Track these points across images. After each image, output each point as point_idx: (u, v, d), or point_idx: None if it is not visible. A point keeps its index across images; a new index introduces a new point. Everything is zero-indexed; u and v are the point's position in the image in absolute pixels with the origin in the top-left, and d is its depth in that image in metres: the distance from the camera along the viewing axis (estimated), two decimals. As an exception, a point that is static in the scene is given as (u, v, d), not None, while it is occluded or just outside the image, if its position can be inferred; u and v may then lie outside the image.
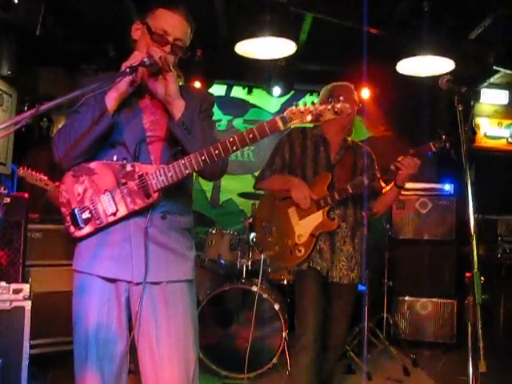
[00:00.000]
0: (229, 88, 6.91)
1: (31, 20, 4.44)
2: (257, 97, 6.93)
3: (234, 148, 1.94)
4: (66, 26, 5.15)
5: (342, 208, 3.20)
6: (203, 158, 1.94)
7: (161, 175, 1.96)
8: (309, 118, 1.93)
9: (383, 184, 3.14)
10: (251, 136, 1.93)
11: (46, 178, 3.94)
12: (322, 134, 3.29)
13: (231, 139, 1.94)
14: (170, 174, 1.96)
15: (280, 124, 1.92)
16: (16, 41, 4.84)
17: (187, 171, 1.96)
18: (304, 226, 3.16)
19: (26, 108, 5.57)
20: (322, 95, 3.33)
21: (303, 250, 3.12)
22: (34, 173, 3.91)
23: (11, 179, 5.56)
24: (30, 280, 3.34)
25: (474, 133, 2.82)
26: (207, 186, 6.68)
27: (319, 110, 1.93)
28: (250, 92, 6.90)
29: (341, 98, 1.95)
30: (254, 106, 6.96)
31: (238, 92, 6.94)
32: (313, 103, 1.94)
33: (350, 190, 3.07)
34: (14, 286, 3.16)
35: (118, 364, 2.06)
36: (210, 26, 5.18)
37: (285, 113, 1.93)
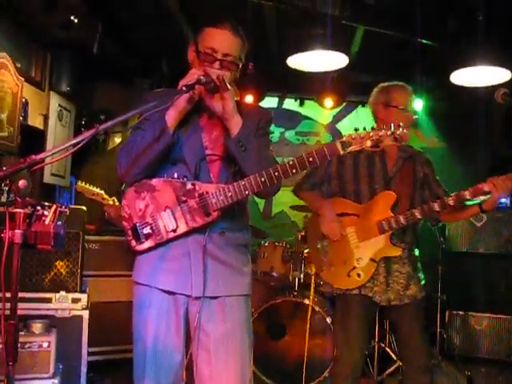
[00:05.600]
0: (281, 100, 6.93)
1: (89, 38, 4.60)
2: (309, 108, 6.92)
3: (294, 171, 1.96)
4: (120, 43, 5.31)
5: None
6: (263, 179, 1.96)
7: (221, 195, 1.99)
8: (368, 143, 1.93)
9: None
10: (311, 159, 1.94)
11: (102, 192, 4.03)
12: None
13: (291, 162, 1.95)
14: (229, 194, 1.99)
15: (340, 148, 1.93)
16: (74, 58, 5.03)
17: (246, 192, 1.99)
18: (364, 250, 2.92)
19: (83, 122, 5.75)
20: (375, 95, 3.14)
21: (363, 275, 2.90)
22: (90, 187, 4.00)
23: (69, 191, 5.74)
24: (87, 290, 3.43)
25: None
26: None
27: (379, 136, 1.94)
28: (301, 104, 6.91)
29: (400, 123, 1.95)
30: (307, 117, 6.96)
31: (290, 104, 6.95)
32: (372, 128, 1.95)
33: (419, 216, 2.82)
34: (72, 295, 3.27)
35: (173, 375, 2.11)
36: (261, 40, 5.23)
37: (344, 137, 1.94)
